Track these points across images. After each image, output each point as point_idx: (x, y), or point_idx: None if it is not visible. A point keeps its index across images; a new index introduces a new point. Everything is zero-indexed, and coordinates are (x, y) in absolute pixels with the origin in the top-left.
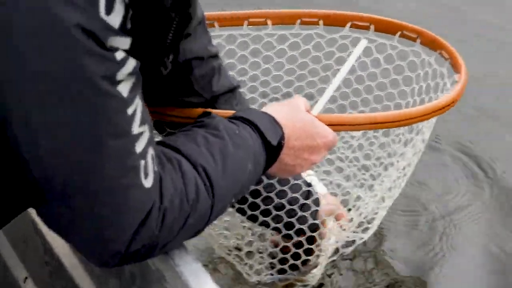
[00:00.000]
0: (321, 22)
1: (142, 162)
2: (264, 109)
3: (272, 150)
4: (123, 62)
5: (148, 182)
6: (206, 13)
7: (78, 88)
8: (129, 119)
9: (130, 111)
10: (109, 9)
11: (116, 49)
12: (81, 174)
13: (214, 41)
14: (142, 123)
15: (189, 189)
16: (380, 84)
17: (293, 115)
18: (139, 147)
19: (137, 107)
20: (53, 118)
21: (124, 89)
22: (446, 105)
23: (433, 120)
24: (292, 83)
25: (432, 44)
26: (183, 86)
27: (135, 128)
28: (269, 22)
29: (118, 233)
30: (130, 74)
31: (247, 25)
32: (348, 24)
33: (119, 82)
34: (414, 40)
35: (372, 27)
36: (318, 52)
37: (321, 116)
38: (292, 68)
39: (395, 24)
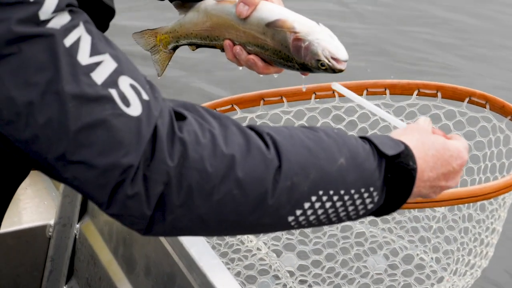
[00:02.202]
0: (387, 91)
1: (113, 91)
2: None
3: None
4: (40, 1)
5: (133, 111)
6: None
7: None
8: (69, 51)
9: (68, 42)
10: None
11: None
12: (52, 128)
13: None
14: (95, 53)
15: (230, 135)
16: None
17: (423, 141)
18: (99, 77)
19: (80, 37)
20: None
21: (56, 23)
22: None
23: None
24: None
25: (501, 110)
26: None
27: (84, 59)
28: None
29: (125, 172)
30: (57, 10)
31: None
32: (415, 92)
33: (48, 20)
34: (483, 106)
35: (439, 94)
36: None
37: None
38: None
39: (463, 91)
